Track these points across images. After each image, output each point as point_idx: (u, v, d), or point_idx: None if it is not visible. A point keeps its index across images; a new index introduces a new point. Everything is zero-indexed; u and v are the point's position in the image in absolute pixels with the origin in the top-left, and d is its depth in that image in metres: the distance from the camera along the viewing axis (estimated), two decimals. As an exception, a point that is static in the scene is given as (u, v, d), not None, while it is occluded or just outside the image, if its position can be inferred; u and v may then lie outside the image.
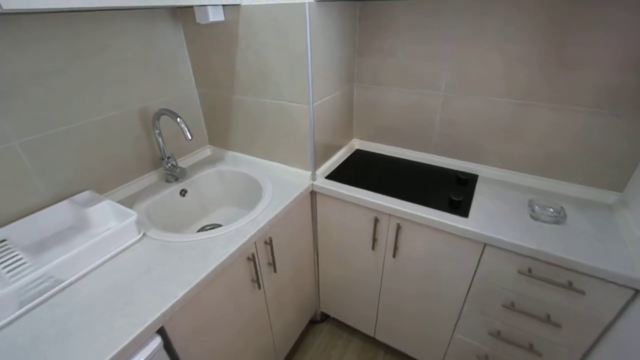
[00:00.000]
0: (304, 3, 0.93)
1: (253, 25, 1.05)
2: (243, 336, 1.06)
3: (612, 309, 0.86)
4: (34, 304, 0.73)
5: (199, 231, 1.24)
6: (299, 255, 1.29)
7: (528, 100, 1.09)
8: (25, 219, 0.89)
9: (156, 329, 0.71)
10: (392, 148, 1.46)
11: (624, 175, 1.04)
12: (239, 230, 0.95)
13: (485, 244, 0.97)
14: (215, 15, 1.04)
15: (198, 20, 1.06)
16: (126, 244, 0.89)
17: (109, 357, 0.62)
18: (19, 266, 0.77)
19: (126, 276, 0.80)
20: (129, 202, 1.10)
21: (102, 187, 1.08)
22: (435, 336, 1.26)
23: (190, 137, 1.02)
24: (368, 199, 1.11)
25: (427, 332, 1.27)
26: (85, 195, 1.01)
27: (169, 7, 1.11)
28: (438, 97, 1.25)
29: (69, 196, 0.99)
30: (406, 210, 1.04)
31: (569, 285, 0.88)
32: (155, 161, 1.24)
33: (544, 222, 0.97)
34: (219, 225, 1.26)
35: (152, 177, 1.22)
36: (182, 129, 1.02)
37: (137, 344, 0.67)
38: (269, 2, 0.98)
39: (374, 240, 1.19)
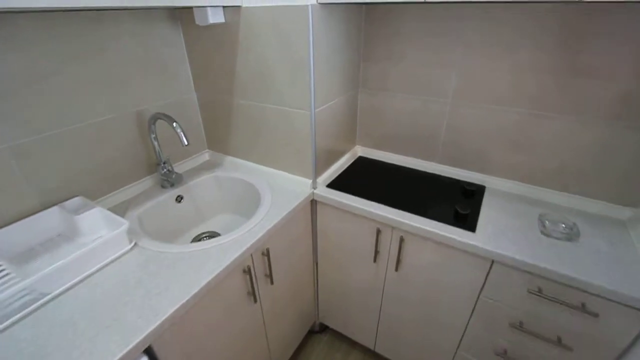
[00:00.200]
0: (307, 5, 0.89)
1: (254, 27, 1.01)
2: (238, 350, 1.02)
3: (629, 334, 0.81)
4: (13, 320, 0.68)
5: (194, 239, 1.20)
6: (297, 266, 1.24)
7: (538, 110, 1.05)
8: (12, 225, 0.85)
9: (143, 349, 0.67)
10: (396, 156, 1.41)
11: (639, 191, 0.99)
12: (235, 241, 0.91)
13: (493, 261, 0.92)
14: (215, 17, 1.00)
15: (197, 22, 1.02)
16: (116, 255, 0.85)
17: (90, 381, 0.58)
18: (1, 277, 0.73)
19: (114, 290, 0.76)
20: (122, 208, 1.06)
21: (94, 193, 1.04)
22: (438, 353, 1.21)
23: (186, 143, 0.99)
24: (370, 209, 1.06)
25: (430, 348, 1.22)
26: (76, 201, 0.97)
27: (167, 7, 1.08)
28: (445, 105, 1.20)
29: (59, 202, 0.95)
30: (410, 222, 1.00)
31: (582, 307, 0.83)
32: (151, 166, 1.20)
33: (556, 238, 0.92)
34: (216, 233, 1.22)
35: (147, 183, 1.18)
36: (178, 134, 0.98)
37: (122, 365, 0.63)
38: (271, 4, 0.95)
39: (376, 252, 1.14)
